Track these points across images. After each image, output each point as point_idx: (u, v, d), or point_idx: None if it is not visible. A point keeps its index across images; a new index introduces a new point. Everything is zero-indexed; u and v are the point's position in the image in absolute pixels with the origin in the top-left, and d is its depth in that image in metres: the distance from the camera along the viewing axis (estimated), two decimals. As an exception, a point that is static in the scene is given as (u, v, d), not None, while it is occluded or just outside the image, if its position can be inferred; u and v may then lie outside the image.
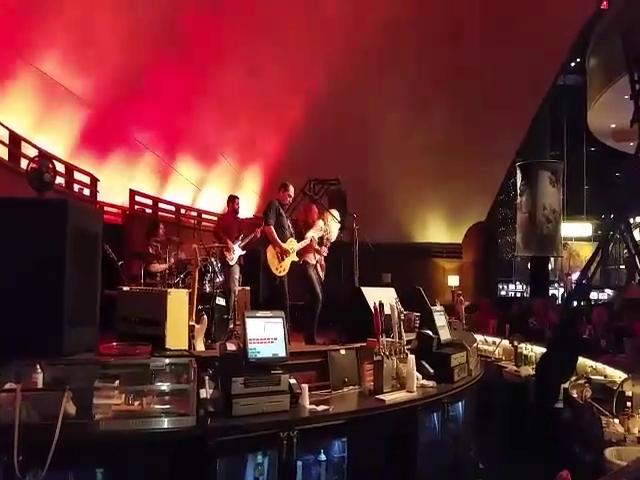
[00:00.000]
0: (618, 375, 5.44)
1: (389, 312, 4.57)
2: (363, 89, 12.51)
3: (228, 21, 10.58)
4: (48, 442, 2.63)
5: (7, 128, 7.84)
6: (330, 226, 5.96)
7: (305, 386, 3.75)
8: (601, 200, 23.36)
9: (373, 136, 13.23)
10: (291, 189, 5.86)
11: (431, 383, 4.47)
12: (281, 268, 5.46)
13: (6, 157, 7.69)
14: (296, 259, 5.61)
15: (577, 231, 23.22)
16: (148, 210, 11.26)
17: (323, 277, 6.56)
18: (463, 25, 12.02)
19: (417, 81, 12.63)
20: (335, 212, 6.18)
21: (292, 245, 5.58)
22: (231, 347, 3.83)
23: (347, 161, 12.42)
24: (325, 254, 6.20)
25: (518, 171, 16.40)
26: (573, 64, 19.79)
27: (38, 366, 3.04)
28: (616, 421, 4.60)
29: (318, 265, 6.16)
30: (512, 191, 19.93)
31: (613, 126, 13.99)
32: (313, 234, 5.76)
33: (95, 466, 2.84)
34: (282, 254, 5.45)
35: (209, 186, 13.47)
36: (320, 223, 5.91)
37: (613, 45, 12.50)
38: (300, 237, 5.74)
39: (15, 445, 2.60)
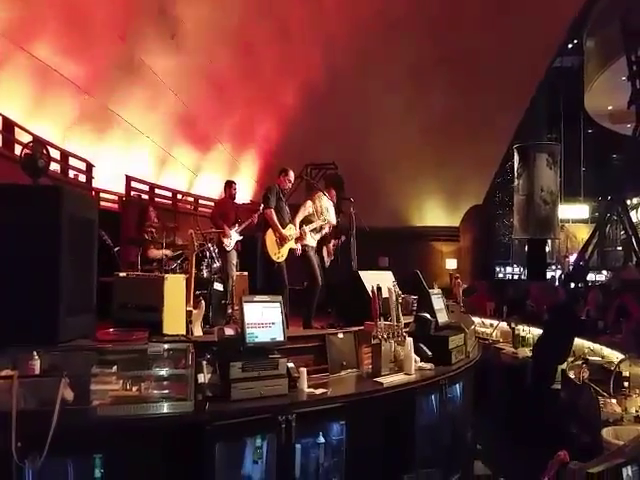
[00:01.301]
0: (615, 356, 5.48)
1: (387, 295, 4.57)
2: (360, 73, 12.42)
3: (225, 5, 10.44)
4: (46, 428, 2.63)
5: (1, 114, 7.76)
6: (326, 209, 5.89)
7: (303, 370, 3.75)
8: (598, 182, 23.37)
9: (370, 120, 13.14)
10: (291, 174, 5.77)
11: (429, 365, 4.48)
12: (279, 254, 5.40)
13: (0, 143, 7.63)
14: (295, 246, 5.54)
15: (574, 213, 23.27)
16: (144, 196, 11.19)
17: (328, 263, 6.54)
18: (460, 8, 11.88)
19: (414, 65, 12.53)
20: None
21: (291, 232, 5.51)
22: (229, 332, 3.83)
23: (344, 145, 12.37)
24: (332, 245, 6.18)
25: (515, 153, 16.37)
26: (570, 46, 19.64)
27: (35, 353, 3.03)
28: (613, 401, 4.63)
29: (325, 251, 6.12)
30: (509, 174, 19.89)
31: (610, 108, 13.95)
32: (301, 216, 5.69)
33: (93, 452, 2.83)
34: (281, 240, 5.38)
35: (205, 172, 13.40)
36: (308, 203, 5.85)
37: (611, 27, 12.45)
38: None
39: (13, 432, 2.60)
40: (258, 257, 6.18)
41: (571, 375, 5.51)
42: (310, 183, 6.65)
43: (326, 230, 5.91)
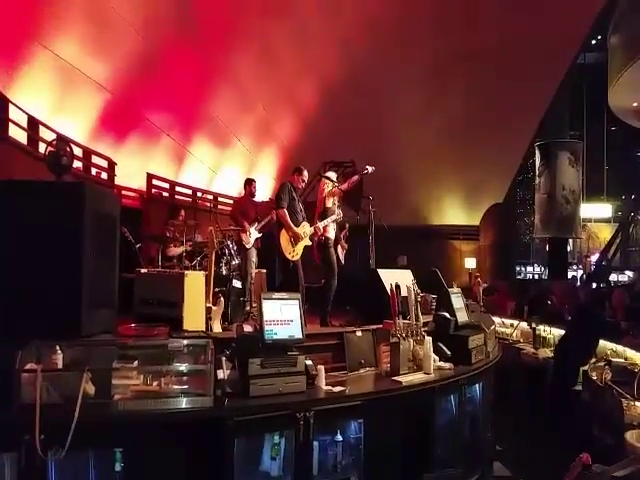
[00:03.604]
0: (639, 357, 5.38)
1: (406, 294, 4.55)
2: (379, 72, 12.35)
3: (244, 4, 10.48)
4: (68, 422, 2.67)
5: (25, 112, 7.88)
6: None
7: (321, 367, 3.76)
8: (622, 180, 23.01)
9: (389, 118, 13.09)
10: (305, 174, 5.76)
11: (448, 365, 4.45)
12: (294, 253, 5.39)
13: (24, 141, 7.75)
14: (309, 243, 5.54)
15: (596, 212, 22.92)
16: (165, 194, 11.31)
17: (343, 259, 6.51)
18: (480, 4, 11.76)
19: (434, 63, 12.43)
20: (332, 174, 6.08)
21: (305, 229, 5.50)
22: (248, 329, 3.85)
23: (363, 144, 12.31)
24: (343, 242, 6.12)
25: (537, 151, 16.19)
26: (594, 42, 19.35)
27: (58, 347, 3.07)
28: (637, 404, 4.55)
29: (339, 247, 6.08)
30: (531, 172, 19.70)
31: (635, 105, 13.70)
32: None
33: (114, 445, 2.87)
34: (295, 238, 5.38)
35: (225, 169, 13.48)
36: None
37: (636, 22, 12.20)
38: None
39: (37, 424, 2.64)
40: (277, 255, 6.17)
41: (593, 376, 5.42)
42: (320, 175, 6.44)
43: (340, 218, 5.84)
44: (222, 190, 13.01)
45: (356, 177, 6.05)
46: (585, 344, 5.97)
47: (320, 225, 5.58)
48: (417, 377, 4.12)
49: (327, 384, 3.71)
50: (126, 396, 3.06)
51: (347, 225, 7.28)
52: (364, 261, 6.19)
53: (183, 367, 3.31)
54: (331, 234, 5.69)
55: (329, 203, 5.77)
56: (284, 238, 5.36)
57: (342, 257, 6.32)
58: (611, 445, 4.26)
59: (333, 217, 5.71)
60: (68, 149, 3.79)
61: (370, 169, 5.87)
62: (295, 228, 5.40)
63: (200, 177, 12.90)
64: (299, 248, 5.44)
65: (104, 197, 3.88)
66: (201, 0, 9.97)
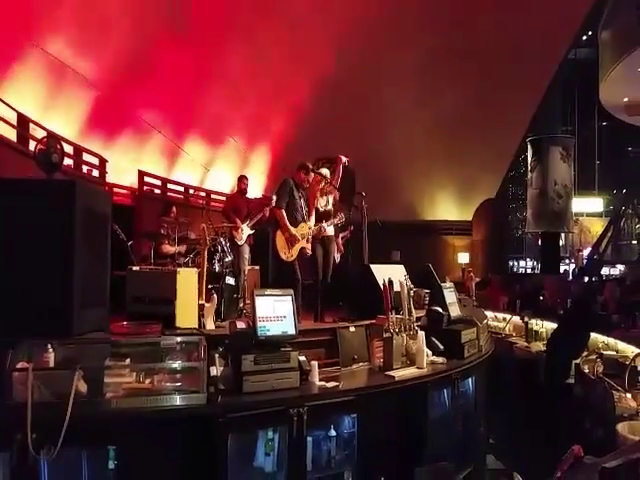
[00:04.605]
0: (630, 350, 5.44)
1: (398, 289, 4.55)
2: (371, 69, 12.36)
3: (236, 2, 10.44)
4: (60, 420, 2.67)
5: (15, 110, 7.84)
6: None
7: (315, 363, 3.76)
8: (613, 175, 23.14)
9: (381, 115, 13.09)
10: (312, 175, 5.51)
11: (441, 359, 4.46)
12: (290, 255, 5.25)
13: (14, 139, 7.70)
14: (306, 245, 5.38)
15: (588, 206, 22.98)
16: (157, 191, 11.27)
17: (338, 259, 6.49)
18: (472, 2, 11.77)
19: (426, 60, 12.45)
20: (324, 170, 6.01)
21: (303, 231, 5.32)
22: (241, 325, 3.84)
23: (355, 139, 12.29)
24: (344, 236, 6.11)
25: (529, 147, 16.23)
26: (585, 37, 19.37)
27: (49, 346, 3.06)
28: (628, 396, 4.59)
29: (334, 244, 6.06)
30: (522, 167, 19.75)
31: (625, 100, 13.75)
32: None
33: (107, 443, 2.87)
34: (291, 241, 5.23)
35: (217, 166, 13.45)
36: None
37: (626, 17, 12.23)
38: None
39: (28, 423, 2.63)
40: (270, 251, 6.14)
41: (585, 369, 5.47)
42: (314, 171, 6.30)
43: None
44: (215, 187, 12.98)
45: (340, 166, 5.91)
46: (577, 337, 6.01)
47: (325, 226, 5.47)
48: (410, 372, 4.13)
49: (320, 380, 3.72)
50: (118, 394, 3.05)
51: (351, 228, 7.22)
52: (357, 257, 6.18)
53: (176, 364, 3.32)
54: (328, 231, 5.63)
55: (323, 201, 5.74)
56: (281, 239, 5.22)
57: (337, 257, 6.30)
58: (603, 437, 4.29)
59: (336, 220, 5.65)
60: (58, 146, 3.76)
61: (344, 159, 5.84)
62: (292, 230, 5.23)
63: (192, 174, 12.87)
64: (295, 250, 5.28)
65: (95, 195, 3.85)
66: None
